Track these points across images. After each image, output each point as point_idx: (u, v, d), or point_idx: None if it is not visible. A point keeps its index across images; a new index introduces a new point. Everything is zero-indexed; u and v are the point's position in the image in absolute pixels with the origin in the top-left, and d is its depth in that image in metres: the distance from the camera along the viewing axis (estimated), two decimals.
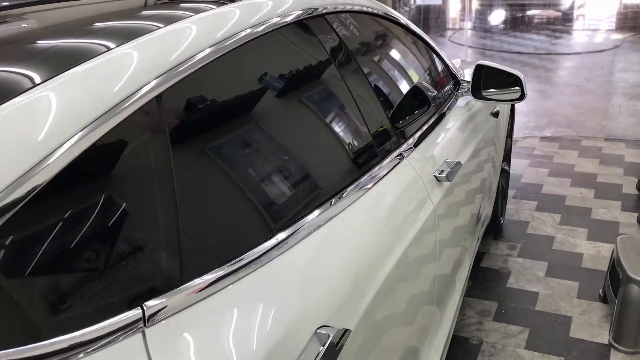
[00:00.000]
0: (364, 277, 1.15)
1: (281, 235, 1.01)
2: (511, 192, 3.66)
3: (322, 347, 0.91)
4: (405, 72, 1.97)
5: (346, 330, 0.98)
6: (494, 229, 3.16)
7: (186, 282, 0.83)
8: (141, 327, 0.75)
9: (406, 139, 1.62)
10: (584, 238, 3.11)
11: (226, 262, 0.89)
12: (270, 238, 0.99)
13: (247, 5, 1.22)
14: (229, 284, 0.88)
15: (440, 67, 2.24)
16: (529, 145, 4.60)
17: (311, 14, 1.39)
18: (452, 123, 2.01)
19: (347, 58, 1.51)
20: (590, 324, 2.40)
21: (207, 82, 1.01)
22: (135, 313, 0.75)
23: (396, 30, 1.98)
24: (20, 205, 0.67)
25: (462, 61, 2.93)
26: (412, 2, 11.64)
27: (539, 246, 3.04)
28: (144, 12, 1.27)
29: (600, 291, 2.55)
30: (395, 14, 1.99)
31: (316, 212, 1.12)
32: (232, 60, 1.07)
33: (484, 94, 2.13)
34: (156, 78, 0.88)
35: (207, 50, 1.00)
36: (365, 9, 1.75)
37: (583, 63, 8.09)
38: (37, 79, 0.77)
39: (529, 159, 4.28)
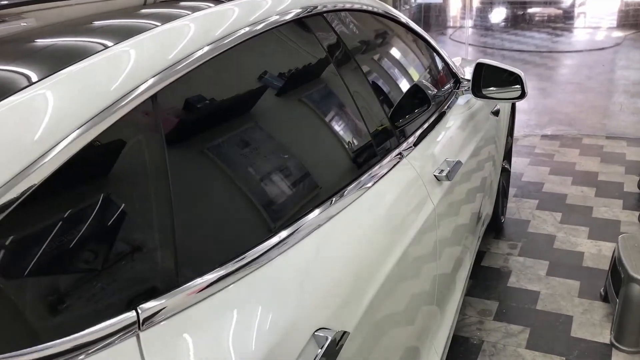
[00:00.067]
0: (364, 277, 1.14)
1: (281, 235, 1.00)
2: (512, 191, 3.65)
3: (320, 350, 0.91)
4: (405, 70, 1.97)
5: (345, 332, 0.98)
6: (495, 228, 3.15)
7: (182, 284, 0.82)
8: (135, 330, 0.74)
9: (406, 138, 1.61)
10: (585, 237, 3.10)
11: (224, 263, 0.88)
12: (269, 238, 0.98)
13: (246, 3, 1.21)
14: (228, 285, 0.87)
15: (440, 65, 2.23)
16: (529, 143, 4.59)
17: (310, 12, 1.38)
18: (453, 122, 2.01)
19: (346, 57, 1.50)
20: (592, 323, 2.40)
21: (205, 81, 1.00)
22: (129, 316, 0.74)
23: (396, 28, 1.97)
24: (15, 205, 0.66)
25: (462, 59, 2.92)
26: (412, 0, 11.62)
27: (539, 245, 3.04)
28: (143, 11, 1.26)
29: (602, 290, 2.55)
30: (395, 12, 1.99)
31: (316, 212, 1.11)
32: (230, 59, 1.06)
33: (484, 92, 2.12)
34: (154, 76, 0.87)
35: (206, 49, 0.99)
36: (365, 7, 1.74)
37: (584, 61, 8.07)
38: (34, 78, 0.77)
39: (530, 158, 4.28)
